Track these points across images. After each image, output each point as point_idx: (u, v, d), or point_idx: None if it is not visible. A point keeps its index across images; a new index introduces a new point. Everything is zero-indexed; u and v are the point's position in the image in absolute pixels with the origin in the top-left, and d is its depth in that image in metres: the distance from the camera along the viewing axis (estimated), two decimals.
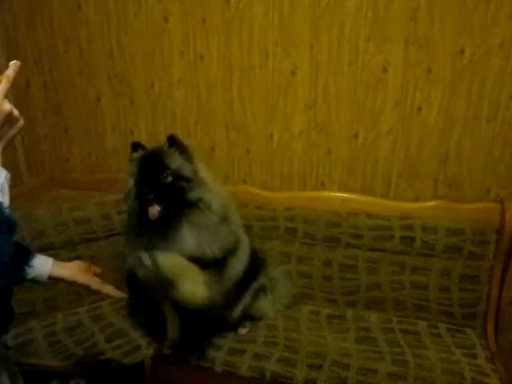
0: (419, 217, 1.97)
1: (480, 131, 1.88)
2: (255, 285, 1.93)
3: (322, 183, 2.16)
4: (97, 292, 1.33)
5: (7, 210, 0.82)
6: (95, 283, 1.31)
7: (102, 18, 2.20)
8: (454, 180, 1.97)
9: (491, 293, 1.89)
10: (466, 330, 1.91)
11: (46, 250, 1.88)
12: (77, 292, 2.05)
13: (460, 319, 1.93)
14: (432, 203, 2.00)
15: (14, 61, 0.83)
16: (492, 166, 1.91)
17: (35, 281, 1.22)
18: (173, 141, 1.54)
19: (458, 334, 1.89)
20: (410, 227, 1.96)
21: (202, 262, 1.52)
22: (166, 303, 1.77)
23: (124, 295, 1.41)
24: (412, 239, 1.95)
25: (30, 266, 1.19)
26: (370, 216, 2.02)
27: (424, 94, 1.90)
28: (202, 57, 2.13)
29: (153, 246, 1.51)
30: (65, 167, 2.56)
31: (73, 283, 1.31)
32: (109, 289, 1.34)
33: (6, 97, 0.80)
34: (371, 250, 2.01)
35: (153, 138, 2.26)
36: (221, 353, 1.78)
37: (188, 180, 1.51)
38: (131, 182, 1.55)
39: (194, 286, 1.44)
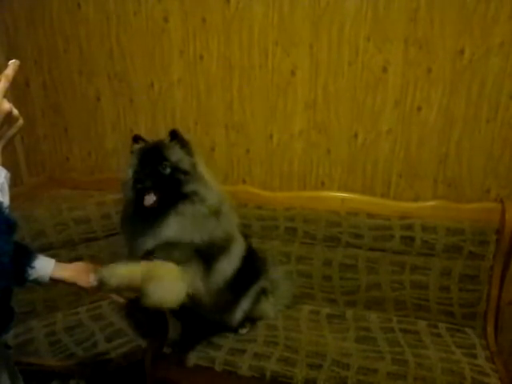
0: (419, 216, 1.97)
1: (480, 131, 1.88)
2: (256, 287, 1.93)
3: (322, 183, 2.16)
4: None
5: (7, 210, 0.82)
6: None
7: (102, 17, 2.20)
8: (453, 180, 1.98)
9: (491, 293, 1.89)
10: (466, 329, 1.91)
11: (45, 249, 1.88)
12: (77, 292, 2.04)
13: (460, 319, 1.93)
14: (432, 203, 2.00)
15: (13, 60, 0.83)
16: (492, 166, 1.91)
17: (37, 282, 1.23)
18: (174, 135, 1.55)
19: (457, 333, 1.89)
20: (409, 227, 1.96)
21: (181, 254, 1.50)
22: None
23: (124, 300, 1.41)
24: (412, 239, 1.95)
25: (32, 268, 1.20)
26: (369, 216, 2.02)
27: (424, 94, 1.90)
28: (201, 57, 2.13)
29: (137, 231, 1.52)
30: (65, 167, 2.56)
31: (73, 285, 1.31)
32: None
33: (5, 96, 0.80)
34: (371, 249, 2.01)
35: (152, 137, 2.24)
36: (221, 352, 1.78)
37: (186, 173, 1.52)
38: (130, 173, 1.55)
39: (165, 288, 1.44)
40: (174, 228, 1.49)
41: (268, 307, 2.01)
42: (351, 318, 2.01)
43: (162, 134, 1.58)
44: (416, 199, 2.04)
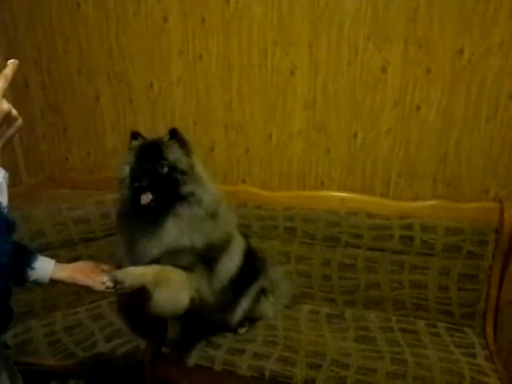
0: (418, 216, 1.97)
1: (479, 131, 1.89)
2: (256, 287, 1.93)
3: (322, 183, 2.16)
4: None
5: (5, 210, 0.82)
6: (97, 284, 1.31)
7: (101, 17, 2.20)
8: (453, 179, 1.98)
9: (490, 292, 1.90)
10: (465, 329, 1.92)
11: (44, 249, 1.88)
12: (76, 291, 2.05)
13: (459, 318, 1.93)
14: (431, 202, 2.00)
15: (12, 60, 0.83)
16: (491, 166, 1.91)
17: (37, 283, 1.22)
18: (174, 133, 1.55)
19: (457, 333, 1.89)
20: (409, 226, 1.96)
21: (186, 259, 1.52)
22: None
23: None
24: (411, 238, 1.95)
25: (33, 268, 1.19)
26: (369, 215, 2.02)
27: (423, 93, 1.90)
28: (201, 56, 2.13)
29: (137, 237, 1.52)
30: (64, 167, 2.55)
31: (73, 285, 1.31)
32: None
33: (4, 96, 0.79)
34: (370, 249, 2.01)
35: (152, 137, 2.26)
36: (220, 352, 1.78)
37: (183, 173, 1.51)
38: (127, 170, 1.54)
39: (171, 295, 1.46)
40: (172, 233, 1.49)
41: (267, 307, 2.01)
42: (350, 317, 2.01)
43: (162, 134, 1.58)
44: (415, 199, 2.04)
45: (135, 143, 1.59)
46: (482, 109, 1.86)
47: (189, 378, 1.78)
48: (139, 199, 1.45)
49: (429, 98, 1.90)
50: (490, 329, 1.89)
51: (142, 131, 1.64)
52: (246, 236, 1.89)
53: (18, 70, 0.84)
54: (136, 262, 1.51)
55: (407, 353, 1.76)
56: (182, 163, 1.52)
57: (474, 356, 1.75)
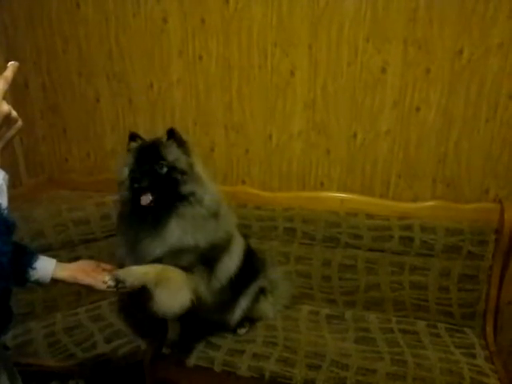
0: (418, 217, 1.97)
1: (479, 131, 1.89)
2: (255, 287, 1.93)
3: (321, 183, 2.16)
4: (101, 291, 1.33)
5: (5, 211, 0.82)
6: (98, 283, 1.31)
7: (101, 17, 2.20)
8: (452, 180, 1.98)
9: (490, 292, 1.90)
10: (465, 329, 1.92)
11: (44, 250, 1.87)
12: (76, 292, 2.06)
13: (459, 319, 1.93)
14: (431, 203, 2.00)
15: (13, 62, 0.83)
16: (491, 166, 1.91)
17: (38, 283, 1.22)
18: (172, 134, 1.55)
19: (457, 333, 1.89)
20: (408, 227, 1.96)
21: (187, 259, 1.52)
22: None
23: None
24: (411, 239, 1.95)
25: (34, 269, 1.19)
26: (369, 216, 2.02)
27: (423, 94, 1.90)
28: (200, 57, 2.13)
29: (140, 237, 1.52)
30: (64, 168, 2.56)
31: (75, 284, 1.31)
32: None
33: (4, 98, 0.79)
34: (370, 250, 2.01)
35: (151, 137, 2.26)
36: (220, 353, 1.78)
37: (183, 173, 1.51)
38: (126, 172, 1.55)
39: (171, 294, 1.46)
40: (176, 233, 1.49)
41: (267, 307, 2.01)
42: (350, 318, 2.01)
43: (161, 135, 1.58)
44: (415, 199, 2.04)
45: (133, 145, 1.59)
46: (481, 109, 1.86)
47: (189, 379, 1.78)
48: (139, 200, 1.45)
49: (428, 98, 1.90)
50: (490, 329, 1.89)
51: (142, 132, 1.64)
52: (245, 236, 1.89)
53: (17, 72, 0.84)
54: (138, 261, 1.51)
55: (407, 353, 1.76)
56: (182, 163, 1.52)
57: (473, 356, 1.75)
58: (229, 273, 1.68)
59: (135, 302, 1.96)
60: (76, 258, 1.94)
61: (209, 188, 1.56)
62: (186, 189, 1.51)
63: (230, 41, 2.06)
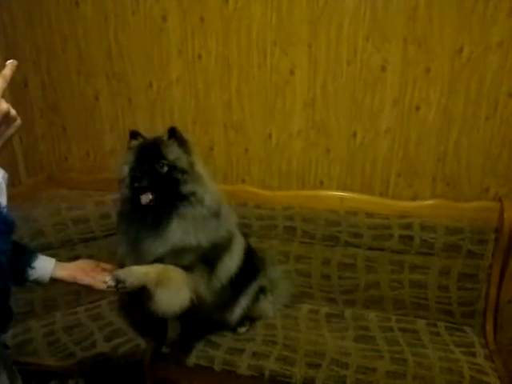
0: (418, 215, 1.97)
1: (478, 130, 1.89)
2: (255, 286, 1.93)
3: (321, 182, 2.16)
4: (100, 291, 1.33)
5: (4, 210, 0.82)
6: (98, 282, 1.31)
7: (100, 16, 2.19)
8: (452, 179, 1.98)
9: (490, 291, 1.90)
10: (465, 328, 1.92)
11: (44, 249, 1.87)
12: (75, 291, 2.05)
13: (459, 318, 1.93)
14: (431, 202, 2.00)
15: (11, 60, 0.83)
16: (490, 165, 1.91)
17: (37, 282, 1.22)
18: (173, 132, 1.54)
19: (456, 332, 1.89)
20: (408, 226, 1.96)
21: (189, 259, 1.52)
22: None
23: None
24: (411, 238, 1.95)
25: (32, 268, 1.19)
26: (368, 215, 2.02)
27: (422, 93, 1.90)
28: (200, 56, 2.12)
29: (141, 237, 1.52)
30: (63, 167, 2.55)
31: (74, 284, 1.31)
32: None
33: (3, 96, 0.79)
34: (370, 248, 2.01)
35: None
36: (220, 352, 1.78)
37: (183, 172, 1.51)
38: (126, 170, 1.54)
39: (171, 294, 1.46)
40: (178, 233, 1.49)
41: (267, 306, 2.01)
42: (350, 317, 2.01)
43: (161, 133, 1.58)
44: (415, 198, 2.04)
45: (134, 143, 1.59)
46: (481, 108, 1.86)
47: (189, 378, 1.78)
48: (139, 199, 1.45)
49: (428, 97, 1.90)
50: (489, 328, 1.89)
51: (141, 131, 1.64)
52: (245, 235, 1.89)
53: (16, 70, 0.84)
54: (139, 261, 1.51)
55: (407, 352, 1.76)
56: (182, 162, 1.52)
57: (473, 355, 1.75)
58: (229, 272, 1.68)
59: (135, 302, 1.96)
60: (75, 257, 1.95)
61: (209, 187, 1.56)
62: (186, 188, 1.51)
63: (229, 39, 2.06)
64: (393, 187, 2.07)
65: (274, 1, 1.95)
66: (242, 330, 1.91)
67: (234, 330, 1.90)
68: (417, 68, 1.88)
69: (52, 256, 1.28)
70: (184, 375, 1.78)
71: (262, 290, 1.98)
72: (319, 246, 2.08)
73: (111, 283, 1.30)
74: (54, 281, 1.25)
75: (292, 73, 2.03)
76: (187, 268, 1.52)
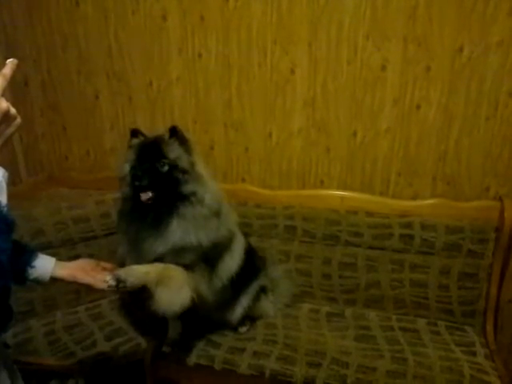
0: (418, 215, 1.97)
1: (479, 129, 1.88)
2: (256, 286, 1.93)
3: (321, 181, 2.16)
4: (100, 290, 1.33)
5: (5, 209, 0.82)
6: (98, 282, 1.31)
7: (100, 15, 2.19)
8: (452, 178, 1.98)
9: (490, 291, 1.90)
10: (466, 327, 1.92)
11: (44, 248, 1.87)
12: (76, 290, 2.05)
13: (459, 317, 1.93)
14: (431, 201, 2.00)
15: (11, 59, 0.83)
16: (491, 164, 1.91)
17: (37, 281, 1.22)
18: (174, 131, 1.54)
19: (457, 331, 1.89)
20: (409, 225, 1.96)
21: (189, 258, 1.52)
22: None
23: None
24: (411, 237, 1.95)
25: (32, 267, 1.19)
26: (369, 214, 2.02)
27: (423, 92, 1.90)
28: (200, 55, 2.12)
29: (141, 236, 1.52)
30: (63, 166, 2.55)
31: (74, 283, 1.31)
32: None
33: (3, 95, 0.79)
34: (370, 248, 2.01)
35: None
36: (220, 351, 1.78)
37: (184, 172, 1.51)
38: (127, 168, 1.54)
39: (172, 293, 1.46)
40: (178, 233, 1.49)
41: (268, 305, 2.01)
42: (350, 316, 2.01)
43: (161, 133, 1.58)
44: (415, 197, 2.04)
45: (135, 141, 1.59)
46: (481, 107, 1.86)
47: (189, 377, 1.78)
48: (140, 197, 1.45)
49: (428, 96, 1.90)
50: (490, 327, 1.89)
51: (142, 130, 1.64)
52: (246, 235, 1.89)
53: (17, 69, 0.84)
54: (140, 259, 1.51)
55: (407, 351, 1.76)
56: (183, 162, 1.52)
57: (474, 354, 1.75)
58: (230, 271, 1.68)
59: (135, 301, 1.96)
60: (76, 256, 1.95)
61: (210, 187, 1.55)
62: (186, 188, 1.51)
63: (229, 38, 2.06)
64: (393, 186, 2.07)
65: (274, 0, 1.94)
66: (243, 329, 1.91)
67: (234, 329, 1.90)
68: (417, 67, 1.87)
69: (52, 255, 1.28)
70: (184, 374, 1.78)
71: (262, 290, 1.98)
72: (320, 246, 2.08)
73: (112, 283, 1.30)
74: (54, 280, 1.25)
75: (292, 72, 2.03)
76: (188, 267, 1.52)
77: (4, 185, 0.84)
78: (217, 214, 1.57)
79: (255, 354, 1.75)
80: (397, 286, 1.98)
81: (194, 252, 1.52)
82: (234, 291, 1.81)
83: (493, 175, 1.93)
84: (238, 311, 1.87)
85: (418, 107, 1.93)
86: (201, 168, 1.56)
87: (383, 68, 1.92)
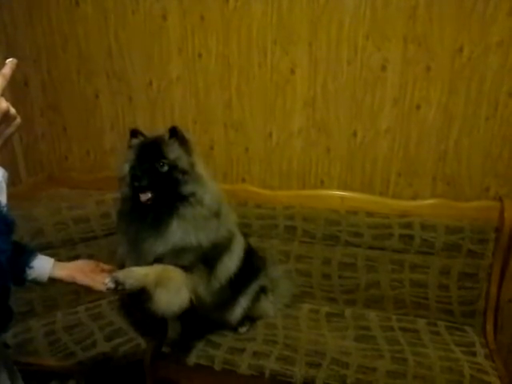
0: (418, 215, 1.97)
1: (479, 129, 1.88)
2: (255, 286, 1.93)
3: (321, 181, 2.16)
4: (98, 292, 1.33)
5: (4, 209, 0.82)
6: (97, 283, 1.31)
7: (100, 15, 2.19)
8: (452, 178, 1.98)
9: (490, 291, 1.90)
10: (465, 327, 1.92)
11: (44, 248, 1.87)
12: (76, 291, 2.05)
13: (459, 317, 1.93)
14: (431, 201, 2.00)
15: (11, 59, 0.83)
16: (491, 164, 1.91)
17: (36, 281, 1.22)
18: (174, 132, 1.54)
19: (457, 331, 1.89)
20: (409, 225, 1.96)
21: (189, 259, 1.52)
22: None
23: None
24: (411, 237, 1.95)
25: (31, 268, 1.19)
26: (369, 214, 2.02)
27: (423, 92, 1.90)
28: (200, 55, 2.12)
29: (141, 236, 1.52)
30: (63, 166, 2.55)
31: (73, 284, 1.30)
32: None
33: (3, 95, 0.79)
34: (370, 248, 2.01)
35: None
36: (220, 351, 1.78)
37: (184, 172, 1.50)
38: (126, 168, 1.54)
39: (171, 295, 1.46)
40: (178, 233, 1.49)
41: (267, 306, 2.01)
42: (350, 316, 2.01)
43: (161, 133, 1.57)
44: (415, 197, 2.04)
45: (135, 141, 1.59)
46: (481, 107, 1.86)
47: (189, 378, 1.78)
48: (139, 197, 1.45)
49: (428, 96, 1.90)
50: (490, 327, 1.89)
51: (142, 130, 1.64)
52: (245, 235, 1.89)
53: (17, 69, 0.83)
54: (139, 260, 1.51)
55: (407, 351, 1.76)
56: (183, 162, 1.51)
57: (474, 354, 1.75)
58: (228, 273, 1.68)
59: (134, 302, 1.96)
60: (76, 257, 1.95)
61: (209, 187, 1.55)
62: (186, 189, 1.50)
63: (229, 38, 2.06)
64: (393, 186, 2.07)
65: (275, 0, 1.94)
66: (243, 329, 1.91)
67: (234, 329, 1.90)
68: (417, 67, 1.87)
69: (52, 255, 1.28)
70: (184, 375, 1.78)
71: (262, 290, 1.98)
72: (320, 246, 2.08)
73: (110, 285, 1.30)
74: (52, 280, 1.25)
75: (292, 72, 2.03)
76: (187, 268, 1.52)
77: (4, 185, 0.83)
78: (216, 214, 1.57)
79: (255, 354, 1.75)
80: (397, 286, 1.98)
81: (193, 253, 1.52)
82: (233, 292, 1.81)
83: (493, 175, 1.93)
84: (238, 311, 1.87)
85: (418, 107, 1.93)
86: (201, 168, 1.56)
87: (383, 68, 1.92)
